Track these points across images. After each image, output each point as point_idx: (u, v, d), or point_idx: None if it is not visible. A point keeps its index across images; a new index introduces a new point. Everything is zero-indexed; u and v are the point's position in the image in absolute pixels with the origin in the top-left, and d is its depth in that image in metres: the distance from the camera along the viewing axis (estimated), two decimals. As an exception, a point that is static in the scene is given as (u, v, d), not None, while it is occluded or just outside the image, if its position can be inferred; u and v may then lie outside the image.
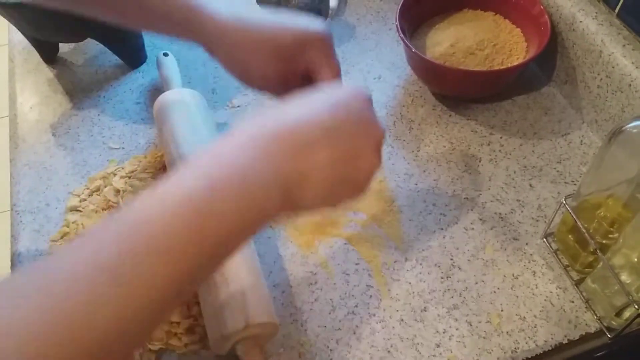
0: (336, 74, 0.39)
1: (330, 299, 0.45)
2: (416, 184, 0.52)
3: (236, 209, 0.27)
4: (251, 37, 0.36)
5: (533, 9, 0.57)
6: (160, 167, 0.53)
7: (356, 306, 0.45)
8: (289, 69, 0.38)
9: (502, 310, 0.44)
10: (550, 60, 0.59)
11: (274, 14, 0.37)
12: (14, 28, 0.62)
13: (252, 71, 0.39)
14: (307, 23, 0.36)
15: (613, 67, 0.51)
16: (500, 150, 0.55)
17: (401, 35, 0.54)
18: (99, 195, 0.51)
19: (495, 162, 0.54)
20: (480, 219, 0.50)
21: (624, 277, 0.40)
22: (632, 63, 0.49)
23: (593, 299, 0.44)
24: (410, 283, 0.46)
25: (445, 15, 0.61)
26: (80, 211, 0.50)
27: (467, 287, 0.45)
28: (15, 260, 0.48)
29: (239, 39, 0.37)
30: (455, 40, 0.57)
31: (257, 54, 0.37)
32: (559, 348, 0.42)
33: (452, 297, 0.45)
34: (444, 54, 0.56)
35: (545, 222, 0.49)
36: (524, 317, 0.44)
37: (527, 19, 0.58)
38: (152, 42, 0.65)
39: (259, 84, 0.40)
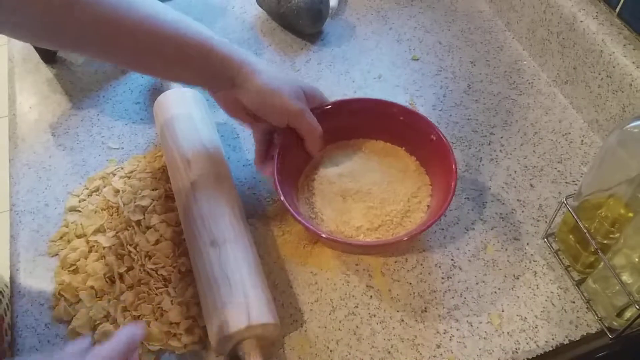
0: (309, 133, 0.48)
1: (331, 300, 0.45)
2: (416, 184, 0.52)
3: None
4: (273, 106, 0.46)
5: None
6: (159, 167, 0.52)
7: (356, 307, 0.44)
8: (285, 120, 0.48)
9: (502, 311, 0.44)
10: (551, 59, 0.59)
11: (283, 89, 0.46)
12: (13, 28, 0.62)
13: (268, 118, 0.48)
14: (288, 106, 0.46)
15: (614, 67, 0.51)
16: (501, 150, 0.54)
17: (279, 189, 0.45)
18: (98, 195, 0.51)
19: (496, 162, 0.54)
20: (481, 219, 0.49)
21: (625, 277, 0.40)
22: (633, 63, 0.49)
23: (594, 299, 0.44)
24: (410, 283, 0.46)
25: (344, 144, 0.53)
26: (80, 211, 0.50)
27: (467, 288, 0.45)
28: (15, 260, 0.48)
29: (264, 106, 0.47)
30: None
31: (274, 113, 0.47)
32: (560, 349, 0.42)
33: (452, 297, 0.45)
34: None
35: (546, 222, 0.49)
36: (525, 318, 0.43)
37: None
38: (151, 41, 0.65)
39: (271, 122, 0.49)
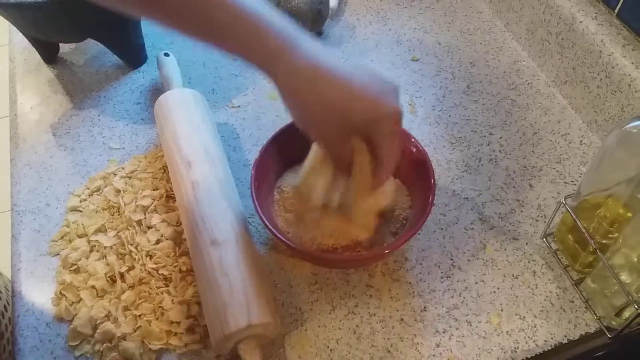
0: (391, 155, 0.37)
1: (331, 299, 0.45)
2: (416, 184, 0.52)
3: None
4: (323, 103, 0.34)
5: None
6: (160, 167, 0.53)
7: (356, 306, 0.45)
8: (347, 137, 0.37)
9: (501, 310, 0.44)
10: (550, 60, 0.59)
11: (353, 77, 0.34)
12: (14, 28, 0.62)
13: (310, 127, 0.37)
14: (381, 101, 0.34)
15: (613, 67, 0.51)
16: (500, 150, 0.55)
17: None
18: (99, 195, 0.51)
19: (495, 162, 0.54)
20: (480, 219, 0.50)
21: (624, 276, 0.40)
22: (632, 63, 0.49)
23: (593, 298, 0.44)
24: (410, 283, 0.46)
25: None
26: (81, 211, 0.50)
27: (467, 287, 0.45)
28: (16, 260, 0.48)
29: (311, 99, 0.35)
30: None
31: (323, 120, 0.36)
32: (558, 348, 0.42)
33: (452, 297, 0.45)
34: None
35: (545, 222, 0.49)
36: (524, 317, 0.44)
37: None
38: (152, 42, 0.65)
39: (311, 136, 0.38)
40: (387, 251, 0.42)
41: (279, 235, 0.42)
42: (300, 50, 0.34)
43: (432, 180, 0.44)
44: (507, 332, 0.43)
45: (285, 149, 0.48)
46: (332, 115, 0.35)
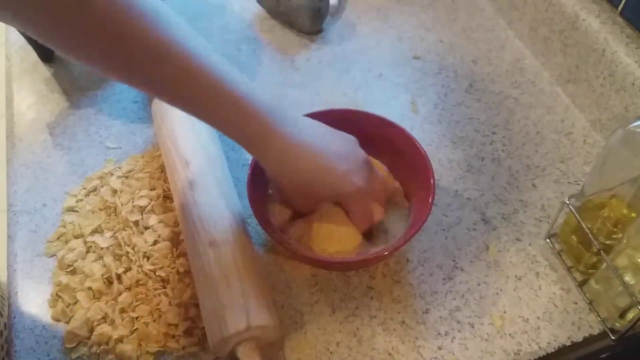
0: (359, 221, 0.42)
1: (331, 301, 0.44)
2: (417, 184, 0.51)
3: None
4: (292, 180, 0.39)
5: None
6: (158, 167, 0.52)
7: (357, 308, 0.44)
8: (315, 205, 0.42)
9: (504, 312, 0.44)
10: (553, 58, 0.59)
11: (322, 155, 0.38)
12: (11, 27, 0.62)
13: (284, 197, 0.43)
14: (344, 180, 0.38)
15: (616, 66, 0.50)
16: (502, 150, 0.54)
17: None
18: (95, 195, 0.51)
19: (498, 161, 0.53)
20: (483, 220, 0.49)
21: (628, 278, 0.40)
22: (636, 62, 0.49)
23: (596, 300, 0.43)
24: (411, 284, 0.45)
25: None
26: (77, 211, 0.50)
27: (469, 289, 0.45)
28: (12, 260, 0.48)
29: (283, 175, 0.39)
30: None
31: (292, 194, 0.42)
32: (562, 350, 0.42)
33: (454, 298, 0.44)
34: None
35: (548, 222, 0.48)
36: (527, 319, 0.43)
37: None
38: (150, 40, 0.64)
39: (293, 206, 0.44)
40: (386, 253, 0.42)
41: (276, 237, 0.42)
42: (278, 128, 0.37)
43: (431, 181, 0.44)
44: (510, 334, 0.42)
45: None
46: (301, 188, 0.39)
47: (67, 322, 0.43)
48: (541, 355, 0.42)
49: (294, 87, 0.60)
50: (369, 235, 0.45)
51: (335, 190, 0.39)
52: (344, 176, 0.39)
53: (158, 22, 0.34)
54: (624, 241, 0.40)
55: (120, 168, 0.52)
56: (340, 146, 0.40)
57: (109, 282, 0.45)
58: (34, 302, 0.45)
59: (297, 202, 0.43)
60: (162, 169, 0.51)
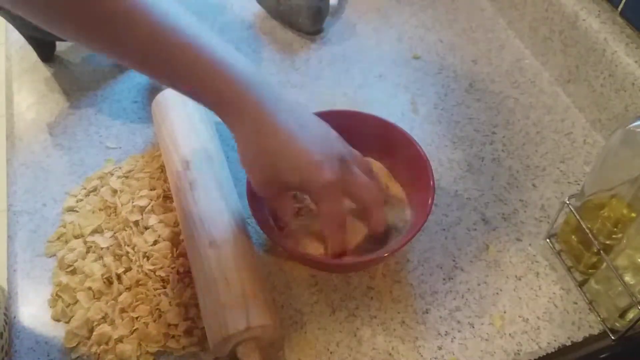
0: (326, 221, 0.38)
1: (331, 301, 0.44)
2: (417, 184, 0.51)
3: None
4: (257, 158, 0.36)
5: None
6: (158, 167, 0.52)
7: (357, 308, 0.44)
8: (279, 192, 0.39)
9: (504, 312, 0.44)
10: (553, 58, 0.59)
11: (296, 138, 0.35)
12: (11, 27, 0.62)
13: (248, 174, 0.39)
14: (314, 169, 0.34)
15: (616, 66, 0.50)
16: (503, 150, 0.54)
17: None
18: (95, 195, 0.51)
19: (498, 161, 0.53)
20: (483, 220, 0.49)
21: (628, 278, 0.40)
22: (636, 62, 0.49)
23: (597, 300, 0.43)
24: (412, 284, 0.45)
25: None
26: (77, 212, 0.50)
27: (469, 289, 0.45)
28: (12, 261, 0.48)
29: (249, 150, 0.36)
30: None
31: (255, 172, 0.37)
32: (562, 350, 0.42)
33: (454, 298, 0.44)
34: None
35: (548, 222, 0.48)
36: (527, 319, 0.43)
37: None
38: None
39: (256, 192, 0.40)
40: (386, 254, 0.42)
41: (275, 238, 0.42)
42: (253, 96, 0.35)
43: (431, 182, 0.44)
44: (510, 334, 0.42)
45: None
46: (264, 167, 0.36)
47: (67, 322, 0.43)
48: (541, 355, 0.42)
49: (294, 87, 0.60)
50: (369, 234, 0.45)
51: (301, 178, 0.35)
52: (313, 165, 0.35)
53: None
54: (624, 241, 0.40)
55: (120, 168, 0.52)
56: (317, 135, 0.37)
57: (109, 282, 0.45)
58: (34, 302, 0.45)
59: (260, 186, 0.39)
60: (162, 169, 0.51)
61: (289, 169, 0.35)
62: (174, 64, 0.35)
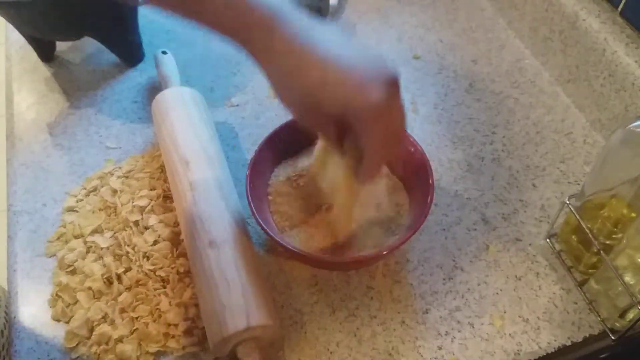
0: (373, 150, 0.34)
1: (331, 301, 0.44)
2: (417, 184, 0.51)
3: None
4: (296, 87, 0.32)
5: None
6: (158, 167, 0.52)
7: (357, 308, 0.44)
8: (326, 120, 0.35)
9: (504, 312, 0.44)
10: (553, 58, 0.59)
11: (334, 59, 0.31)
12: (10, 27, 0.62)
13: (288, 108, 0.35)
14: (360, 91, 0.31)
15: (616, 66, 0.50)
16: (503, 150, 0.54)
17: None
18: (95, 195, 0.51)
19: (498, 161, 0.53)
20: (483, 220, 0.49)
21: (628, 278, 0.40)
22: (636, 62, 0.49)
23: (597, 300, 0.43)
24: (411, 284, 0.45)
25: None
26: (77, 212, 0.50)
27: (469, 289, 0.45)
28: (12, 261, 0.48)
29: (285, 81, 0.33)
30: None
31: (297, 104, 0.34)
32: (562, 350, 0.42)
33: (454, 298, 0.44)
34: None
35: (548, 222, 0.48)
36: (527, 319, 0.43)
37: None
38: (149, 40, 0.64)
39: (292, 115, 0.37)
40: (385, 252, 0.42)
41: (275, 237, 0.42)
42: (282, 25, 0.31)
43: (430, 181, 0.44)
44: (510, 334, 0.42)
45: (282, 148, 0.48)
46: (304, 100, 0.33)
47: (67, 322, 0.43)
48: (541, 355, 0.42)
49: (294, 87, 0.60)
50: (369, 234, 0.45)
51: (345, 103, 0.31)
52: (357, 88, 0.31)
53: None
54: (624, 241, 0.40)
55: (120, 168, 0.52)
56: (358, 55, 0.32)
57: (109, 282, 0.45)
58: (34, 302, 0.45)
59: (303, 118, 0.35)
60: (162, 169, 0.51)
61: (332, 99, 0.31)
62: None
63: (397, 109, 0.34)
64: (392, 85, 0.32)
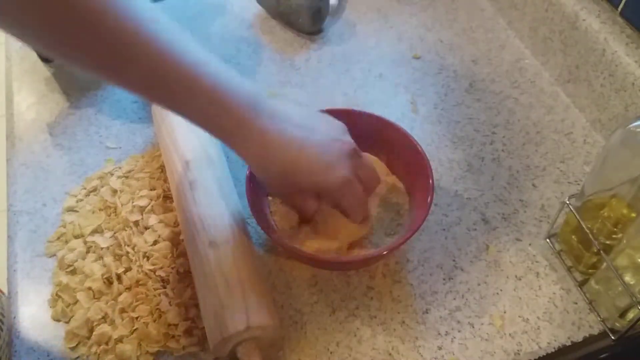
0: (351, 211, 0.41)
1: (331, 301, 0.44)
2: (417, 184, 0.51)
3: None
4: (275, 173, 0.38)
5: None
6: (158, 167, 0.52)
7: (357, 308, 0.44)
8: (303, 197, 0.41)
9: (504, 312, 0.43)
10: (553, 58, 0.59)
11: (304, 145, 0.37)
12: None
13: (275, 194, 0.43)
14: (327, 173, 0.37)
15: (616, 66, 0.50)
16: (503, 150, 0.54)
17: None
18: (95, 195, 0.51)
19: (498, 161, 0.53)
20: (483, 220, 0.49)
21: (628, 277, 0.40)
22: (635, 62, 0.49)
23: (597, 300, 0.43)
24: (411, 284, 0.45)
25: None
26: (77, 212, 0.50)
27: (469, 289, 0.45)
28: (12, 261, 0.48)
29: (267, 168, 0.38)
30: None
31: (276, 186, 0.40)
32: (562, 350, 0.42)
33: (454, 298, 0.44)
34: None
35: (548, 222, 0.48)
36: (527, 319, 0.43)
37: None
38: (150, 40, 0.64)
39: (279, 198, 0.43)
40: (385, 252, 0.42)
41: (275, 237, 0.41)
42: (259, 119, 0.36)
43: (430, 181, 0.44)
44: (510, 334, 0.42)
45: None
46: (283, 182, 0.38)
47: (67, 322, 0.43)
48: (541, 355, 0.42)
49: (294, 87, 0.60)
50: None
51: (318, 181, 0.37)
52: (327, 168, 0.37)
53: (129, 13, 0.32)
54: (624, 241, 0.40)
55: (120, 168, 0.52)
56: (324, 134, 0.38)
57: (109, 282, 0.45)
58: (34, 302, 0.45)
59: (281, 194, 0.42)
60: (162, 169, 0.51)
61: (306, 177, 0.37)
62: (177, 96, 0.35)
63: (363, 171, 0.41)
64: (353, 156, 0.39)
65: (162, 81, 0.34)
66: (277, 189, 0.41)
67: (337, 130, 0.41)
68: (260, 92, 0.37)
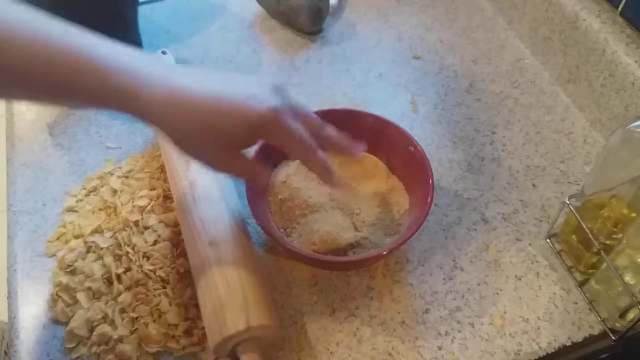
0: (294, 148, 0.35)
1: (331, 301, 0.44)
2: (417, 184, 0.51)
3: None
4: (193, 128, 0.32)
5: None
6: (158, 167, 0.52)
7: (357, 308, 0.44)
8: (237, 152, 0.35)
9: (505, 312, 0.43)
10: (553, 58, 0.59)
11: (218, 90, 0.32)
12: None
13: (196, 156, 0.35)
14: (251, 106, 0.31)
15: (616, 66, 0.50)
16: (503, 150, 0.54)
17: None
18: (95, 195, 0.51)
19: (498, 161, 0.53)
20: (483, 220, 0.49)
21: (628, 278, 0.40)
22: (636, 62, 0.49)
23: (597, 300, 0.43)
24: (412, 284, 0.45)
25: None
26: (77, 211, 0.50)
27: (469, 289, 0.45)
28: (12, 261, 0.48)
29: (181, 128, 0.32)
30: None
31: (202, 145, 0.34)
32: (562, 350, 0.42)
33: (454, 298, 0.44)
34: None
35: (548, 222, 0.48)
36: (527, 319, 0.43)
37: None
38: (149, 40, 0.64)
39: (203, 164, 0.36)
40: (385, 252, 0.42)
41: (275, 237, 0.41)
42: (151, 80, 0.31)
43: (430, 181, 0.44)
44: (510, 334, 0.42)
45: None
46: (206, 139, 0.33)
47: (67, 322, 0.43)
48: (541, 355, 0.42)
49: (294, 87, 0.60)
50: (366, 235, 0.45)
51: (248, 120, 0.31)
52: (250, 100, 0.32)
53: None
54: (624, 241, 0.40)
55: (120, 168, 0.52)
56: (236, 77, 0.34)
57: (109, 282, 0.45)
58: (34, 302, 0.45)
59: (214, 163, 0.35)
60: (162, 169, 0.51)
61: (233, 123, 0.32)
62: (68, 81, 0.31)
63: (299, 110, 0.35)
64: (278, 88, 0.34)
65: (42, 72, 0.30)
66: (209, 157, 0.35)
67: (248, 75, 0.36)
68: (150, 59, 0.32)
